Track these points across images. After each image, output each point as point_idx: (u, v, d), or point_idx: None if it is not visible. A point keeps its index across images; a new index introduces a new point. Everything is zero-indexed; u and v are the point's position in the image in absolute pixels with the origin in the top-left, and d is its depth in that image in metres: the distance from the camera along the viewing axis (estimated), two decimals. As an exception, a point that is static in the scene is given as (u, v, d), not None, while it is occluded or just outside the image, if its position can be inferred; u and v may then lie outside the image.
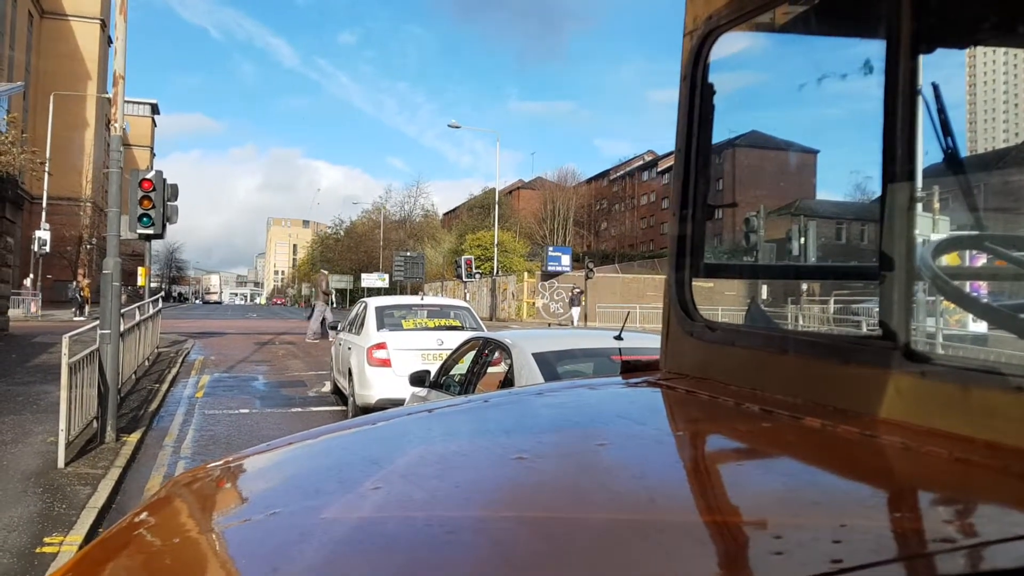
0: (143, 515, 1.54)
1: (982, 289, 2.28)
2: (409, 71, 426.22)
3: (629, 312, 7.39)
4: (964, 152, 1.73)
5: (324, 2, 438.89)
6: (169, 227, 11.22)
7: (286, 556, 1.14)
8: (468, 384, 6.85)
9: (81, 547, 5.63)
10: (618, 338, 5.88)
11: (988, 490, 1.11)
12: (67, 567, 1.34)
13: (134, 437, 9.79)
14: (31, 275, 38.48)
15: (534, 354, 5.99)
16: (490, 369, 6.98)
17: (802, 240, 3.18)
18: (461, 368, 7.43)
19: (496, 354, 6.86)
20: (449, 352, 8.02)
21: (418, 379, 7.66)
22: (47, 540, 6.00)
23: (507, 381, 6.08)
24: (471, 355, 7.23)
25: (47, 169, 36.14)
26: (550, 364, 5.89)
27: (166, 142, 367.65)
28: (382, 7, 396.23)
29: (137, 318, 15.35)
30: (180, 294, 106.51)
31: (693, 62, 1.99)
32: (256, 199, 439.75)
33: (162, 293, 31.52)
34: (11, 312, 25.23)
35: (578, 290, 41.69)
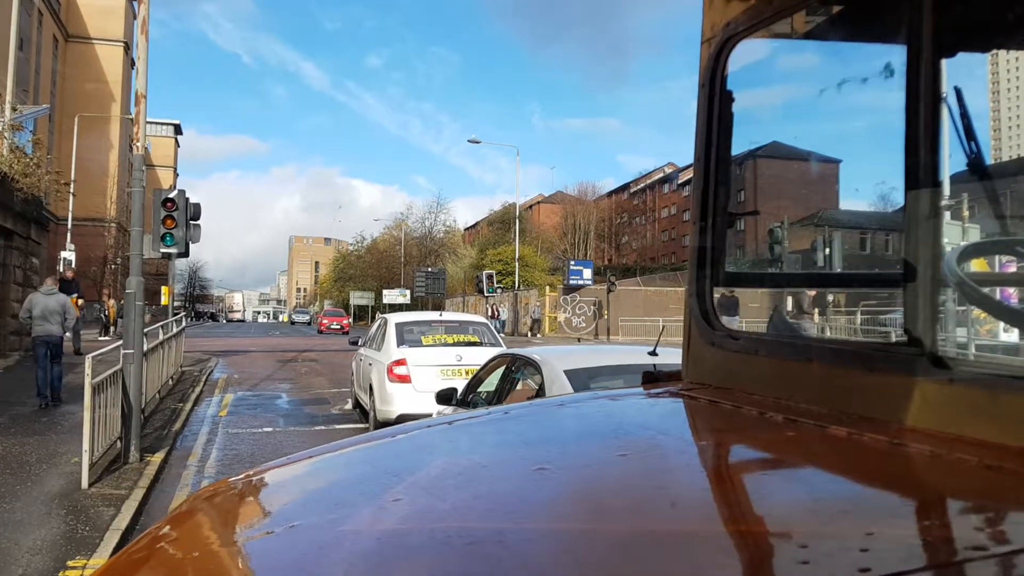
0: (165, 529, 1.54)
1: (1011, 295, 2.25)
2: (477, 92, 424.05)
3: (665, 326, 7.23)
4: (989, 159, 1.71)
5: (354, 28, 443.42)
6: (195, 246, 11.32)
7: (306, 569, 1.14)
8: (496, 402, 6.74)
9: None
10: (652, 353, 5.78)
11: (1021, 497, 1.08)
12: None
13: (158, 457, 9.83)
14: (57, 295, 38.78)
15: (565, 371, 5.90)
16: (519, 386, 6.91)
17: (826, 251, 3.15)
18: (488, 386, 7.36)
19: (525, 371, 6.78)
20: (468, 367, 7.95)
21: (445, 397, 7.52)
22: (70, 564, 6.00)
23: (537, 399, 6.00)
24: (499, 372, 7.17)
25: (72, 190, 36.54)
26: (582, 381, 5.77)
27: (208, 163, 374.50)
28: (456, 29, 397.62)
29: (160, 337, 15.46)
30: (197, 312, 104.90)
31: (711, 70, 1.98)
32: (297, 217, 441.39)
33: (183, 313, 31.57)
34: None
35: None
